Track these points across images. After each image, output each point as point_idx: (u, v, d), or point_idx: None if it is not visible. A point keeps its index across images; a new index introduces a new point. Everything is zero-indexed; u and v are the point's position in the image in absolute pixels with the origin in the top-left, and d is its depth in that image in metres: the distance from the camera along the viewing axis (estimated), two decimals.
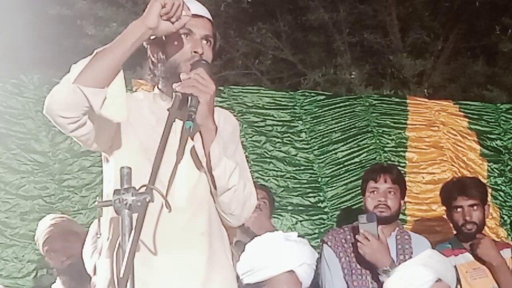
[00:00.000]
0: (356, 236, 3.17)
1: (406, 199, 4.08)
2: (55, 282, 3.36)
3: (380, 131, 4.36)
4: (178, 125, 1.91)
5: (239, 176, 2.03)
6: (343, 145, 4.30)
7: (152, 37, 2.10)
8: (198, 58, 2.04)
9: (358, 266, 3.22)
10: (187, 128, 1.81)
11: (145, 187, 1.61)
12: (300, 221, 4.10)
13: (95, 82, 1.81)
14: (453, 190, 3.56)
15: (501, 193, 4.34)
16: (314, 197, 4.17)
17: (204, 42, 2.08)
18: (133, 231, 1.55)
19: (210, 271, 2.01)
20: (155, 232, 1.94)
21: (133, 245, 1.51)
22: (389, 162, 4.22)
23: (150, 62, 2.15)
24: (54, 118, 1.86)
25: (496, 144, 4.44)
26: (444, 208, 3.73)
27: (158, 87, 2.16)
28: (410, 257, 3.21)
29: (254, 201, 2.12)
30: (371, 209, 3.33)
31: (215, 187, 2.01)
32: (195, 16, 2.09)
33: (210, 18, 2.14)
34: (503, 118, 4.49)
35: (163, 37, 2.05)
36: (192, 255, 2.00)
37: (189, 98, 1.90)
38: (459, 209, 3.50)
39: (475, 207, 3.48)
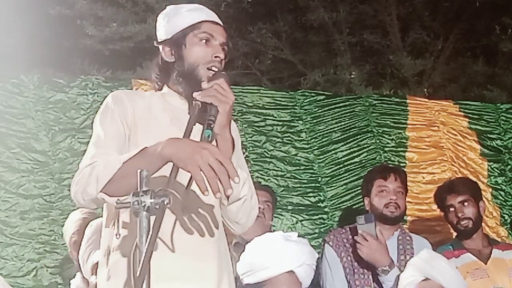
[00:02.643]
0: (355, 237, 3.17)
1: (406, 199, 4.10)
2: (74, 277, 3.34)
3: (380, 131, 4.36)
4: (195, 129, 1.91)
5: (249, 187, 2.05)
6: (343, 145, 4.30)
7: (166, 38, 2.12)
8: (218, 62, 2.06)
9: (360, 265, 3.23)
10: (206, 136, 1.83)
11: (163, 190, 1.62)
12: (300, 220, 4.10)
13: (120, 193, 1.83)
14: (442, 192, 3.61)
15: (502, 193, 4.34)
16: (314, 196, 4.16)
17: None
18: (150, 232, 1.56)
19: (220, 276, 2.04)
20: (172, 235, 1.95)
21: (150, 246, 1.52)
22: (389, 162, 4.22)
23: (161, 61, 2.15)
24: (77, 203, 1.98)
25: (496, 144, 4.44)
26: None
27: (168, 86, 2.16)
28: (411, 258, 3.21)
29: (257, 210, 2.16)
30: (380, 208, 3.32)
31: (226, 196, 2.02)
32: (214, 23, 2.13)
33: (225, 28, 2.16)
34: (503, 118, 4.50)
35: (182, 39, 2.07)
36: (205, 260, 2.01)
37: (208, 107, 1.91)
38: (451, 209, 3.54)
39: (466, 203, 3.51)
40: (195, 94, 1.94)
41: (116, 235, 1.84)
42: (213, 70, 2.05)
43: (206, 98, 1.91)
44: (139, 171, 1.67)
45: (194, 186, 1.79)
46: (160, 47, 2.15)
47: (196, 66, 2.06)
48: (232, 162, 1.84)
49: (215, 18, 2.15)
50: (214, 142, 1.96)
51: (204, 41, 2.09)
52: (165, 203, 1.60)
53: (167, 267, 1.93)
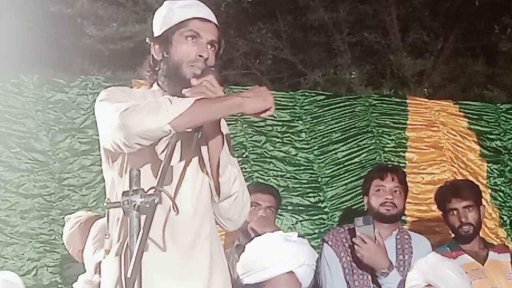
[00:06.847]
0: (353, 239, 3.17)
1: (406, 198, 4.09)
2: (76, 281, 3.34)
3: (380, 131, 4.36)
4: None
5: (240, 183, 2.05)
6: (343, 145, 4.30)
7: (156, 35, 2.12)
8: (202, 62, 2.05)
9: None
10: (195, 134, 1.84)
11: (153, 189, 1.62)
12: (300, 220, 4.10)
13: (187, 126, 1.87)
14: (446, 193, 3.59)
15: (501, 194, 4.34)
16: (314, 197, 4.17)
17: (209, 46, 2.10)
18: (141, 232, 1.56)
19: (212, 274, 2.04)
20: (164, 234, 1.96)
21: (141, 245, 1.52)
22: (389, 162, 4.22)
23: (151, 59, 2.16)
24: (128, 140, 1.88)
25: (496, 145, 4.44)
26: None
27: (158, 84, 2.16)
28: (410, 257, 3.22)
29: (249, 206, 2.17)
30: (376, 207, 3.32)
31: (218, 193, 2.03)
32: (204, 20, 2.11)
33: (217, 24, 2.15)
34: (503, 118, 4.49)
35: (169, 36, 2.06)
36: (197, 258, 2.02)
37: None
38: (454, 212, 3.53)
39: (469, 209, 3.51)
40: (184, 91, 1.94)
41: (106, 235, 1.83)
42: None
43: (195, 94, 1.92)
44: (129, 170, 1.68)
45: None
46: (152, 44, 2.15)
47: (180, 64, 2.06)
48: (221, 158, 1.86)
49: (206, 15, 2.13)
50: (204, 138, 1.97)
51: (190, 39, 2.07)
52: (156, 202, 1.60)
53: (158, 266, 1.93)
